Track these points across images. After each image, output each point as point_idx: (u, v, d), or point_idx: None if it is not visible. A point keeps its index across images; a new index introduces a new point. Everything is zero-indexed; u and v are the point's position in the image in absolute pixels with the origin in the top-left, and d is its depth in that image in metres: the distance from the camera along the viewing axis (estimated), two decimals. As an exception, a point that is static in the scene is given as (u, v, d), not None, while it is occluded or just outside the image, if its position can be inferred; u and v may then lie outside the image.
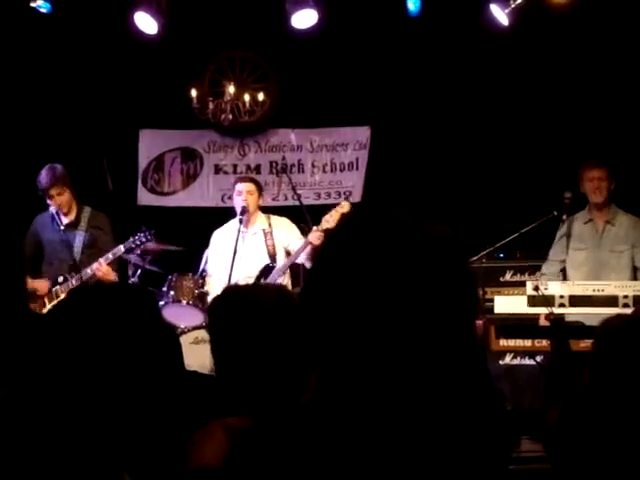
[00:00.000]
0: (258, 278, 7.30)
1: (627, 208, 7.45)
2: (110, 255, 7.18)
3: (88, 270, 7.18)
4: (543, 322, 6.87)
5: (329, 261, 1.47)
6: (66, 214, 7.41)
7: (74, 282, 7.16)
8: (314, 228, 7.26)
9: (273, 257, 7.51)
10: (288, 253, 7.58)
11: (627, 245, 7.23)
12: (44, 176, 7.25)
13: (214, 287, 7.45)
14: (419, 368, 1.38)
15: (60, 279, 7.27)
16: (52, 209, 7.40)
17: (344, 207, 7.40)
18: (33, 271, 7.38)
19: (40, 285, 7.27)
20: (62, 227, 7.39)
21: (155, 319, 2.25)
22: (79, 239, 7.39)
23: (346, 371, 1.41)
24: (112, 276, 7.20)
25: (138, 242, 7.20)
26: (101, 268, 7.12)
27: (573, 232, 7.35)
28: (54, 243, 7.41)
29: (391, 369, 1.38)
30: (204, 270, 7.75)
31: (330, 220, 7.26)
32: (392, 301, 1.39)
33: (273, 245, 7.53)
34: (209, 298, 7.48)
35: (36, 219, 7.54)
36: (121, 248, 7.19)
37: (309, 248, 7.28)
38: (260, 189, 7.70)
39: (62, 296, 6.99)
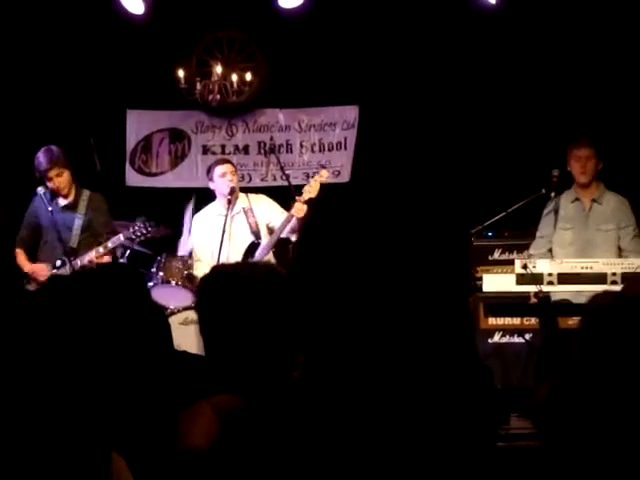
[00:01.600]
0: (245, 257, 7.28)
1: (615, 188, 7.45)
2: (109, 244, 7.16)
3: (86, 257, 7.15)
4: (533, 300, 6.90)
5: (316, 234, 1.46)
6: (65, 196, 7.38)
7: (73, 266, 7.13)
8: (297, 199, 7.23)
9: (257, 234, 7.46)
10: (271, 230, 7.54)
11: (613, 224, 7.23)
12: (42, 158, 7.22)
13: (203, 272, 7.45)
14: (408, 344, 1.38)
15: (58, 263, 7.25)
16: (42, 189, 7.35)
17: (323, 175, 7.40)
18: (31, 252, 7.39)
19: (39, 269, 7.26)
20: (59, 208, 7.36)
21: (145, 299, 2.25)
22: (77, 222, 7.35)
23: (334, 348, 1.41)
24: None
25: (138, 233, 7.16)
26: (94, 260, 7.08)
27: (560, 210, 7.35)
28: (51, 225, 7.33)
29: (379, 345, 1.38)
30: (190, 253, 7.74)
31: (311, 190, 7.25)
32: (381, 275, 1.38)
33: (255, 222, 7.48)
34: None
35: (35, 199, 7.49)
36: (120, 237, 7.17)
37: (293, 221, 7.26)
38: (236, 169, 7.74)
39: None
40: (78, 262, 7.16)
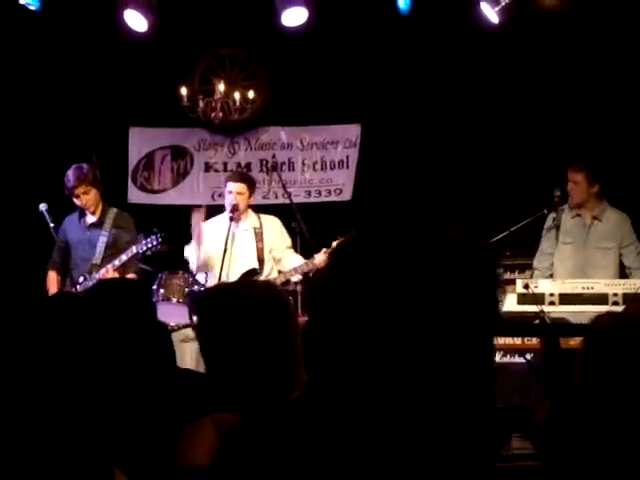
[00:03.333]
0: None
1: (619, 205, 7.44)
2: (124, 256, 7.20)
3: (102, 272, 7.19)
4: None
5: (344, 263, 1.44)
6: (92, 213, 7.45)
7: (91, 283, 7.16)
8: (323, 250, 7.16)
9: (261, 261, 7.48)
10: (273, 256, 7.56)
11: (614, 242, 7.22)
12: (71, 175, 7.33)
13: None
14: (418, 371, 1.38)
15: (81, 279, 7.31)
16: (43, 206, 7.42)
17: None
18: (63, 272, 7.47)
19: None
20: (87, 226, 7.43)
21: (149, 316, 2.25)
22: (102, 239, 7.42)
23: (340, 371, 1.40)
24: None
25: (150, 245, 7.19)
26: (107, 275, 7.13)
27: (561, 224, 7.34)
28: (78, 242, 7.50)
29: (390, 372, 1.37)
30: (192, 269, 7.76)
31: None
32: (407, 308, 1.36)
33: (262, 249, 7.50)
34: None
35: (65, 219, 7.63)
36: (133, 249, 7.21)
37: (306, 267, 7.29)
38: (251, 187, 7.67)
39: None
40: (96, 277, 7.21)
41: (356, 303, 1.38)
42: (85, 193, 7.35)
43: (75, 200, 7.39)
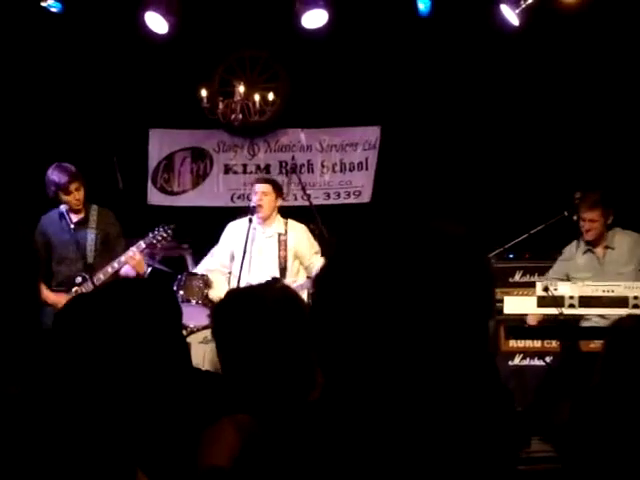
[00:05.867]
0: None
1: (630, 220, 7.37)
2: (130, 252, 7.15)
3: (115, 264, 7.16)
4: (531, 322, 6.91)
5: (343, 261, 1.46)
6: (77, 212, 7.37)
7: (95, 282, 7.13)
8: None
9: (283, 270, 7.46)
10: (299, 261, 7.56)
11: (632, 265, 7.09)
12: (59, 173, 7.20)
13: (218, 282, 7.49)
14: (430, 368, 1.38)
15: (78, 280, 7.23)
16: (62, 207, 7.36)
17: None
18: (45, 273, 7.35)
19: (58, 299, 7.17)
20: (72, 225, 7.35)
21: (177, 317, 2.26)
22: (91, 238, 7.33)
23: (354, 370, 1.40)
24: (143, 265, 7.19)
25: (159, 237, 7.17)
26: (135, 257, 7.10)
27: (576, 261, 7.25)
28: (64, 242, 7.31)
29: (401, 369, 1.37)
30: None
31: None
32: (406, 301, 1.38)
33: (285, 257, 7.45)
34: (211, 292, 7.51)
35: (42, 219, 7.43)
36: (141, 244, 7.17)
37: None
38: (278, 190, 7.62)
39: None
40: (101, 276, 7.17)
41: (356, 297, 1.40)
42: (77, 189, 7.23)
43: (65, 197, 7.21)
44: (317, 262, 7.42)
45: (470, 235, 1.46)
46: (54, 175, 7.19)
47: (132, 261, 7.11)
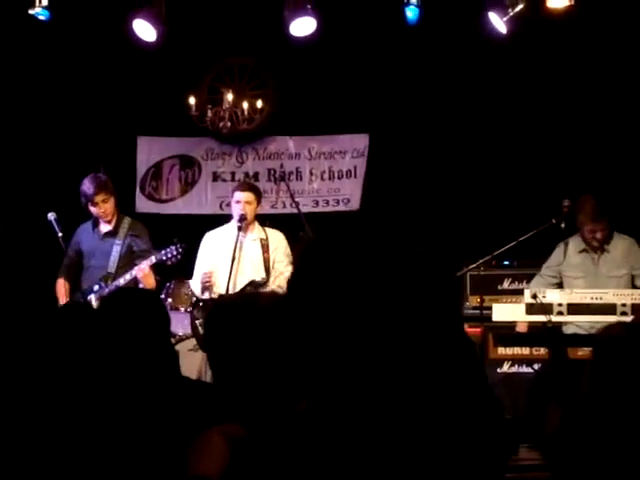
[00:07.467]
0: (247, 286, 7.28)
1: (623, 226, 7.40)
2: (142, 265, 7.18)
3: (127, 276, 7.19)
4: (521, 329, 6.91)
5: (316, 267, 1.47)
6: (108, 222, 7.45)
7: (107, 291, 7.17)
8: None
9: (268, 271, 7.46)
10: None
11: (625, 269, 7.11)
12: (89, 183, 7.33)
13: (196, 284, 7.48)
14: (414, 376, 1.38)
15: (96, 287, 7.31)
16: (52, 215, 7.43)
17: None
18: (73, 280, 7.48)
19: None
20: (101, 235, 7.43)
21: (165, 326, 2.25)
22: (116, 249, 7.42)
23: (339, 382, 1.40)
24: (152, 279, 7.21)
25: (170, 255, 7.19)
26: (144, 270, 7.12)
27: (568, 261, 7.27)
28: (92, 252, 7.49)
29: (385, 378, 1.37)
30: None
31: None
32: (379, 308, 1.39)
33: (269, 259, 7.48)
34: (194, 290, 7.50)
35: (79, 227, 7.64)
36: (152, 259, 7.20)
37: None
38: (259, 197, 7.63)
39: (94, 304, 7.02)
40: (113, 286, 7.22)
41: (325, 304, 1.41)
42: (104, 201, 7.36)
43: (92, 209, 7.38)
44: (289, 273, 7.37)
45: (435, 251, 1.48)
46: (84, 186, 7.37)
47: (141, 274, 7.15)
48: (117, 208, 7.55)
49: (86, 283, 7.43)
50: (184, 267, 8.05)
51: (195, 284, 7.54)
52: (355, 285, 1.40)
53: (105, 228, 7.50)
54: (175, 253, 7.18)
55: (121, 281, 7.21)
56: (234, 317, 2.69)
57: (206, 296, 7.34)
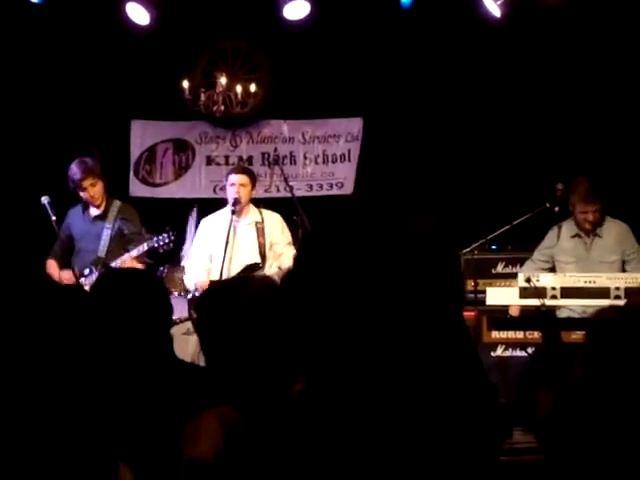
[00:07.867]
0: (242, 273, 7.25)
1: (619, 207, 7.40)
2: (133, 252, 7.20)
3: (118, 262, 7.21)
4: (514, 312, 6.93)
5: (316, 255, 1.46)
6: (97, 206, 7.46)
7: (96, 275, 7.18)
8: None
9: (263, 256, 7.44)
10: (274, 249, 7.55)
11: (617, 255, 7.11)
12: (76, 168, 7.33)
13: (192, 276, 7.46)
14: (409, 359, 1.38)
15: (86, 271, 7.34)
16: (46, 199, 7.43)
17: None
18: (64, 263, 7.53)
19: (67, 276, 7.31)
20: (91, 219, 7.44)
21: (165, 308, 2.25)
22: (106, 232, 7.44)
23: (335, 364, 1.40)
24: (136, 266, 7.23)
25: (161, 242, 7.19)
26: (126, 263, 7.14)
27: (560, 245, 7.27)
28: (82, 234, 7.52)
29: (381, 361, 1.38)
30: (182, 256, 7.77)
31: None
32: (379, 293, 1.39)
33: (264, 244, 7.46)
34: (187, 285, 7.49)
35: (69, 210, 7.65)
36: (145, 246, 7.20)
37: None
38: (254, 180, 7.61)
39: (86, 288, 7.03)
40: (104, 271, 7.21)
41: (331, 280, 1.41)
42: (92, 185, 7.37)
43: (81, 193, 7.40)
44: (289, 253, 7.40)
45: (437, 231, 1.48)
46: (71, 171, 7.39)
47: (129, 261, 7.17)
48: (106, 192, 7.54)
49: (77, 266, 7.43)
50: (178, 251, 8.06)
51: (189, 273, 7.54)
52: (357, 269, 1.40)
53: (95, 212, 7.51)
54: (167, 241, 7.19)
55: (119, 261, 7.23)
56: (225, 301, 2.69)
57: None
